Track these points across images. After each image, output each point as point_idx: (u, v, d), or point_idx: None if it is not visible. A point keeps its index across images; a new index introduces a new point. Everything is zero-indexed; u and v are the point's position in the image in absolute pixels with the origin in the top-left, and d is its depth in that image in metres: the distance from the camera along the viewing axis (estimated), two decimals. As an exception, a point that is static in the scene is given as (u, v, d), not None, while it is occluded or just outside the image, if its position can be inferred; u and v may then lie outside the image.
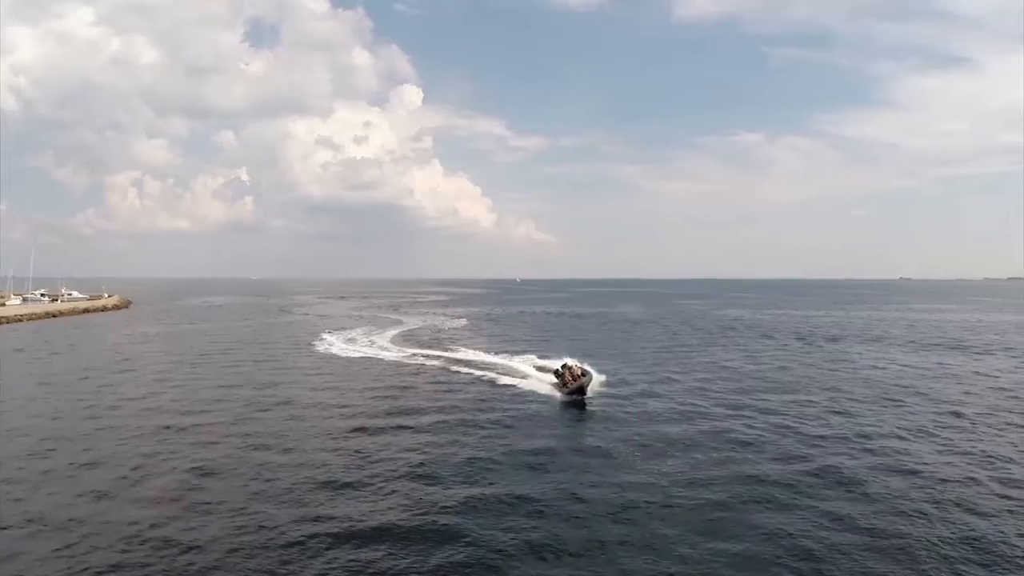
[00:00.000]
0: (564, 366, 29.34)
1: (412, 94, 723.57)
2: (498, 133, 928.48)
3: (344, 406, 26.62)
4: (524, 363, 37.73)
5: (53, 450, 20.03)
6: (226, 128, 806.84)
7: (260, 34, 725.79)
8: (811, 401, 27.67)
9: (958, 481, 16.81)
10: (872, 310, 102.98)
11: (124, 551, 12.84)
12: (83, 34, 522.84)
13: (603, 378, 30.22)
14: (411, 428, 22.79)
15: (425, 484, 16.72)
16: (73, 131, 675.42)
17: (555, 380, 29.40)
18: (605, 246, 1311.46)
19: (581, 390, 26.46)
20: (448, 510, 14.93)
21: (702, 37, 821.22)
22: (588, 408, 25.76)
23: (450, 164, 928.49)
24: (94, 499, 15.74)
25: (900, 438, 21.23)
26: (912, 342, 52.73)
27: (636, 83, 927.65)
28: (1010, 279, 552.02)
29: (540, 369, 34.41)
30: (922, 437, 21.34)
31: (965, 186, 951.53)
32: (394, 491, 16.14)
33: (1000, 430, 22.44)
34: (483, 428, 22.80)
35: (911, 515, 14.47)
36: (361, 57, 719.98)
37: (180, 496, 15.94)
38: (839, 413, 25.30)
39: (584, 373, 28.25)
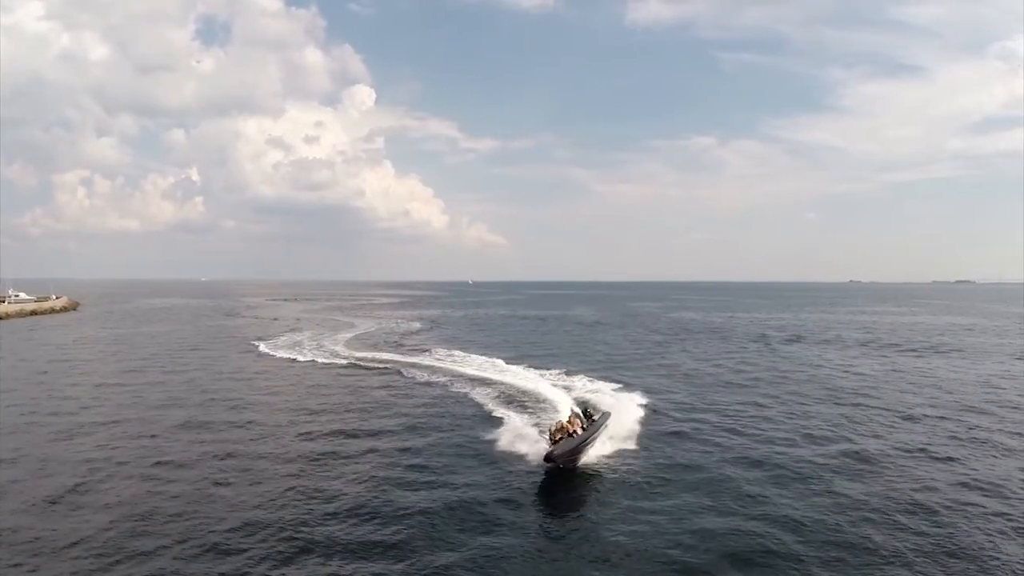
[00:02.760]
0: (574, 414, 21.35)
1: (364, 94, 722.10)
2: (450, 134, 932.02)
3: (278, 425, 25.26)
4: (480, 369, 38.01)
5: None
6: (176, 127, 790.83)
7: (212, 31, 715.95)
8: (769, 413, 28.58)
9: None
10: (842, 313, 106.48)
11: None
12: (32, 28, 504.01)
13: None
14: (339, 453, 21.31)
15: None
16: (21, 128, 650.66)
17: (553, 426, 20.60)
18: (556, 248, 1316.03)
19: (548, 458, 18.32)
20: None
21: (655, 41, 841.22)
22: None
23: (402, 165, 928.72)
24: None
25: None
26: (908, 349, 55.29)
27: (588, 86, 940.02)
28: (958, 282, 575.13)
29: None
30: (943, 457, 20.93)
31: (914, 191, 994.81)
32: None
33: (966, 437, 23.40)
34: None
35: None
36: (313, 56, 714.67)
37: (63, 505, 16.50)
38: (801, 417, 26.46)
39: (586, 427, 20.33)
